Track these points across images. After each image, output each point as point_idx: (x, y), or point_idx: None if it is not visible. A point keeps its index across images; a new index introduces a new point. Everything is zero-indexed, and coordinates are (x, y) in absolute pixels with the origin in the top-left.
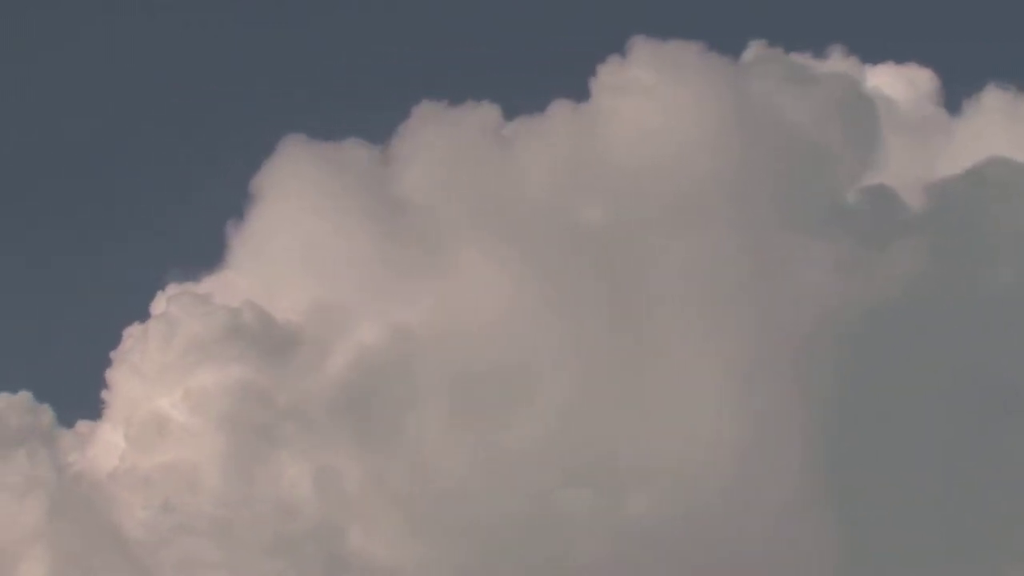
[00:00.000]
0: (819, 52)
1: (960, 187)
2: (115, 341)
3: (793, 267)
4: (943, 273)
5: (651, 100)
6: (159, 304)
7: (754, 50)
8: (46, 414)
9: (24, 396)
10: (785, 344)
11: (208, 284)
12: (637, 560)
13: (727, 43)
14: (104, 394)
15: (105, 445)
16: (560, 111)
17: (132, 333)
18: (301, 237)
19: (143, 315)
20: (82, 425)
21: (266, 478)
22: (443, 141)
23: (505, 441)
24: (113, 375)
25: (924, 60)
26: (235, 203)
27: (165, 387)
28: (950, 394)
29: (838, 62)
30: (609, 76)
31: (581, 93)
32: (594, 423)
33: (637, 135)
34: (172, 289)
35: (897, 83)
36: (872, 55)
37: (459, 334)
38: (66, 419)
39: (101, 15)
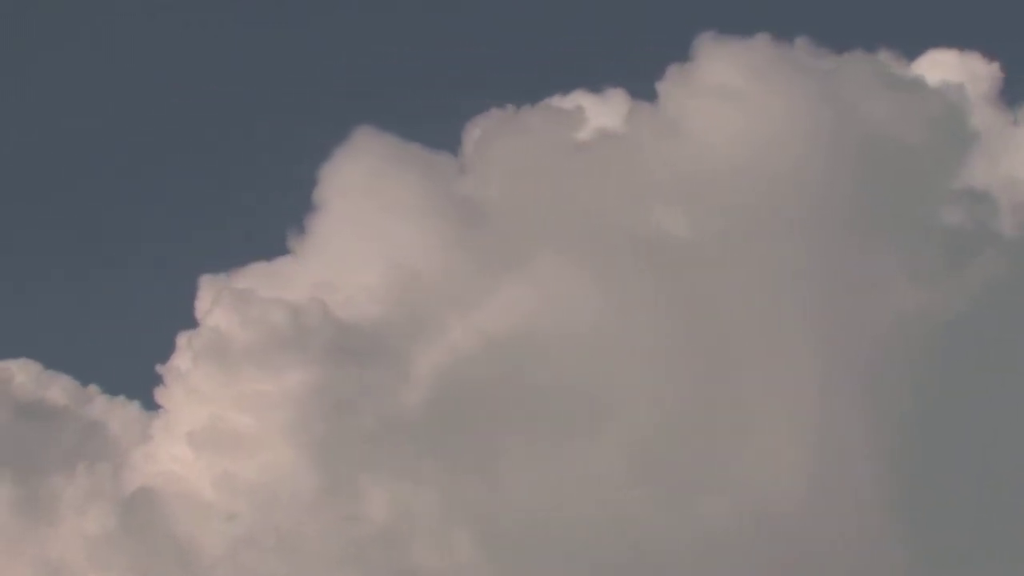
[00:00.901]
0: (907, 52)
1: None
2: (171, 347)
3: (872, 275)
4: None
5: (726, 103)
6: (221, 305)
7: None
8: (106, 426)
9: (85, 407)
10: (862, 353)
11: (273, 283)
12: (711, 567)
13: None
14: (165, 403)
15: (168, 457)
16: (634, 115)
17: (191, 337)
18: (370, 236)
19: (204, 317)
20: (144, 436)
21: (333, 489)
22: (516, 145)
23: (581, 454)
24: (173, 381)
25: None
26: (300, 201)
27: (229, 395)
28: None
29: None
30: (679, 77)
31: (650, 95)
32: (672, 433)
33: (713, 140)
34: (234, 289)
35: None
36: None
37: (536, 344)
38: (126, 430)
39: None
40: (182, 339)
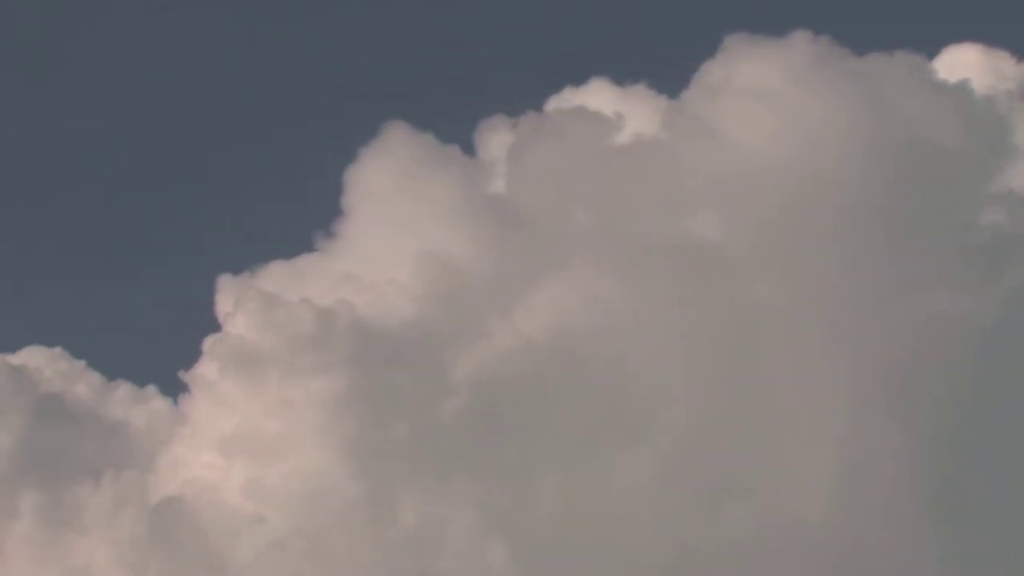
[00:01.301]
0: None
1: None
2: (196, 348)
3: (906, 278)
4: None
5: (761, 105)
6: (247, 308)
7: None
8: (132, 427)
9: (108, 413)
10: (894, 357)
11: (299, 284)
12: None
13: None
14: (192, 409)
15: (196, 464)
16: (670, 118)
17: (216, 342)
18: (401, 236)
19: (228, 319)
20: (170, 441)
21: (364, 496)
22: (552, 147)
23: (613, 459)
24: (200, 388)
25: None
26: (328, 199)
27: (258, 401)
28: None
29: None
30: (712, 79)
31: (684, 98)
32: (704, 437)
33: (748, 142)
34: (260, 291)
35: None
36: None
37: (570, 349)
38: (151, 435)
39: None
40: (208, 343)
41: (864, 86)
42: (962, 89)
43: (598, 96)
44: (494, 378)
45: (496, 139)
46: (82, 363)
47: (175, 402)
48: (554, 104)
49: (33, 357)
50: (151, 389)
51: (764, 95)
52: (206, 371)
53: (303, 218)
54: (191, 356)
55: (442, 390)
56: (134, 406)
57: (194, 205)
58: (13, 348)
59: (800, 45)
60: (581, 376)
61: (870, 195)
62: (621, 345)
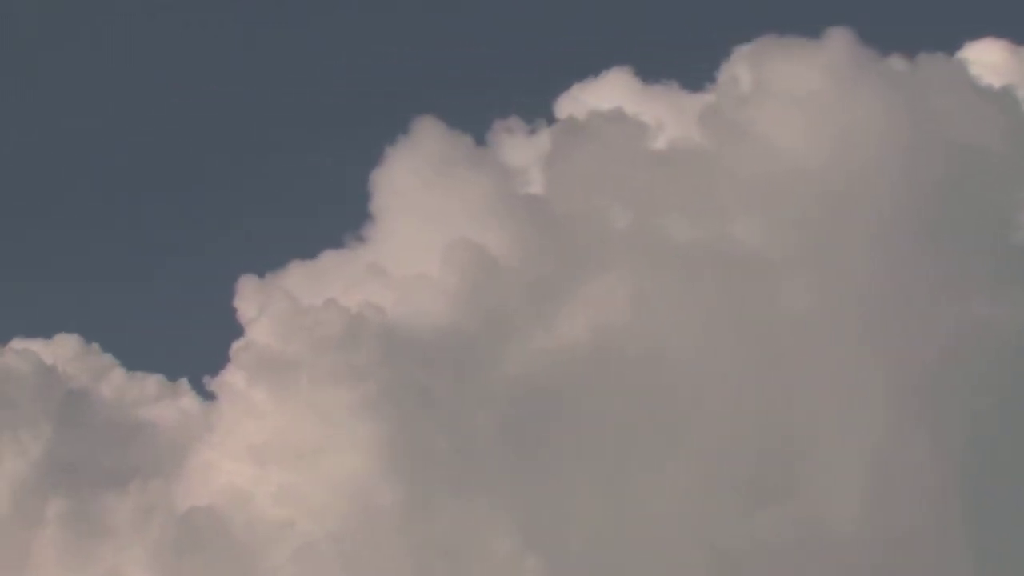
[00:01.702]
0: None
1: None
2: (224, 359)
3: (944, 283)
4: None
5: (799, 109)
6: (272, 311)
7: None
8: (158, 433)
9: (135, 413)
10: (931, 362)
11: (327, 285)
12: None
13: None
14: (220, 415)
15: (224, 469)
16: (707, 123)
17: (243, 346)
18: (433, 237)
19: (252, 323)
20: (196, 446)
21: (396, 501)
22: (590, 151)
23: (648, 466)
24: (227, 392)
25: None
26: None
27: (286, 405)
28: None
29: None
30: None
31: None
32: (741, 442)
33: (786, 147)
34: (288, 294)
35: None
36: None
37: (606, 355)
38: (179, 437)
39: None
40: (235, 351)
41: (901, 88)
42: (1000, 92)
43: (622, 91)
44: (530, 382)
45: (525, 137)
46: (109, 356)
47: (203, 399)
48: (573, 99)
49: (62, 347)
50: (179, 387)
51: (800, 97)
52: (233, 378)
53: (330, 217)
54: (217, 355)
55: (477, 394)
56: (162, 405)
57: (219, 204)
58: (47, 334)
59: (835, 46)
60: (617, 380)
61: (907, 198)
62: (658, 349)
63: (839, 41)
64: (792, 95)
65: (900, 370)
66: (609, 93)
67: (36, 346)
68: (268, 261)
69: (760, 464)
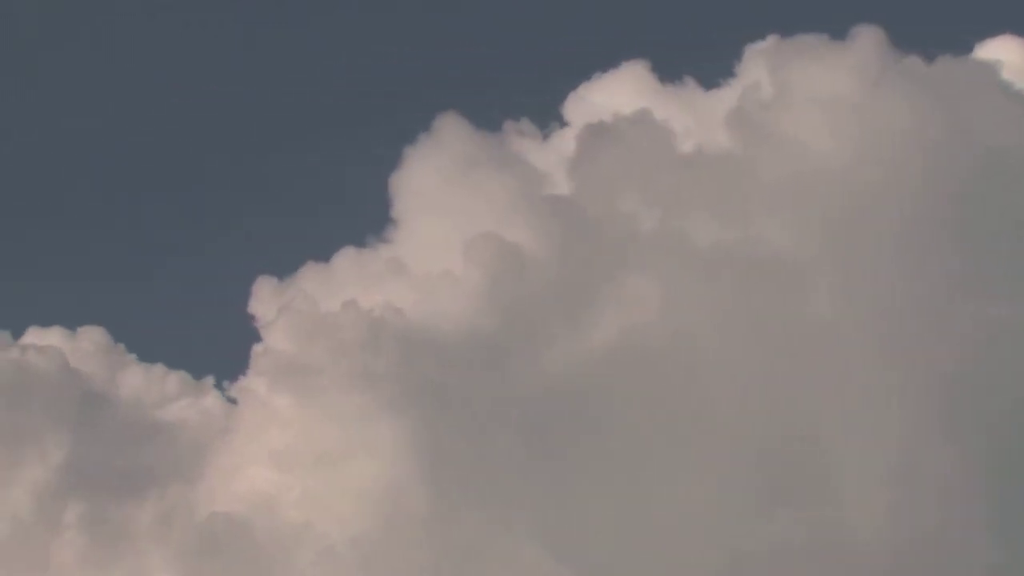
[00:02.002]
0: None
1: None
2: (244, 361)
3: (973, 285)
4: None
5: (828, 112)
6: (291, 315)
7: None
8: (176, 441)
9: (156, 413)
10: (957, 364)
11: (350, 285)
12: None
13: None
14: (241, 420)
15: (246, 475)
16: (733, 125)
17: (262, 354)
18: (456, 236)
19: (270, 327)
20: (217, 450)
21: (419, 505)
22: (618, 153)
23: (670, 468)
24: (247, 397)
25: None
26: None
27: (306, 410)
28: None
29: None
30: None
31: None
32: (760, 446)
33: (814, 149)
34: (305, 295)
35: None
36: None
37: (634, 357)
38: (198, 445)
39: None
40: (254, 357)
41: (925, 89)
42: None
43: (638, 88)
44: (553, 386)
45: (545, 135)
46: (133, 356)
47: (225, 401)
48: (587, 96)
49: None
50: (202, 386)
51: (825, 99)
52: (254, 383)
53: (351, 218)
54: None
55: (499, 398)
56: (183, 405)
57: (239, 204)
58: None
59: (860, 46)
60: (641, 382)
61: (931, 200)
62: (682, 351)
63: (864, 41)
64: (817, 97)
65: (922, 371)
66: (625, 90)
67: (56, 338)
68: (287, 262)
69: (782, 467)
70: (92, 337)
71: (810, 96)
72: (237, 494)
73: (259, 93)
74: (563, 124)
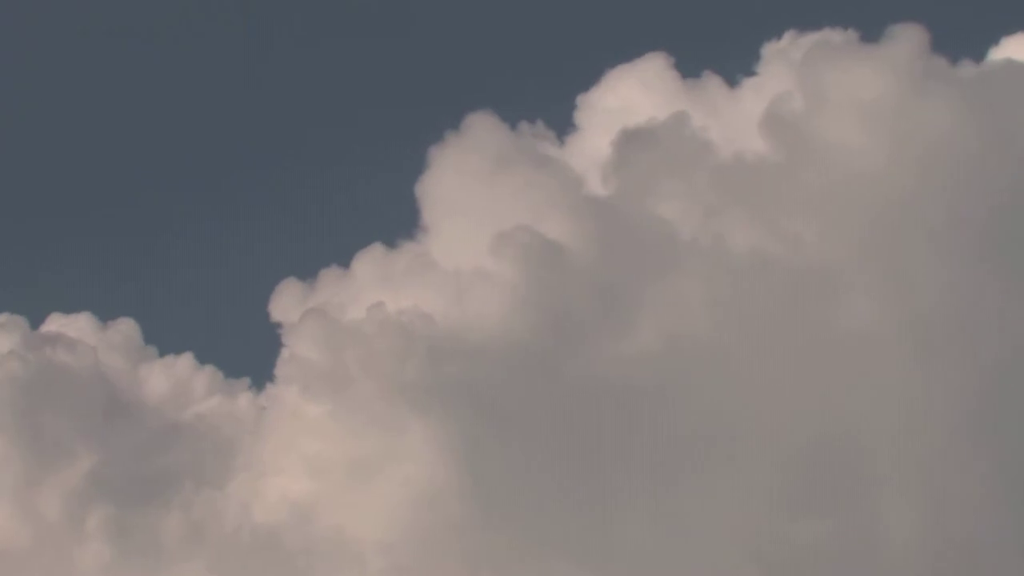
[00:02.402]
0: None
1: None
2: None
3: (1013, 293)
4: None
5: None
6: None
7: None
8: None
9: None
10: (993, 376)
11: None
12: None
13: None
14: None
15: (275, 481)
16: (769, 132)
17: (288, 362)
18: (487, 237)
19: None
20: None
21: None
22: (656, 156)
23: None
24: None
25: None
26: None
27: (333, 416)
28: None
29: None
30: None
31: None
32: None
33: (849, 156)
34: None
35: None
36: None
37: (678, 368)
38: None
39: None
40: (281, 366)
41: (967, 93)
42: None
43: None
44: (590, 391)
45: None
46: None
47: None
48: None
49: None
50: (230, 386)
51: (866, 104)
52: (283, 390)
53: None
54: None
55: (534, 403)
56: (210, 405)
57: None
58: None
59: (899, 48)
60: (679, 388)
61: (972, 207)
62: (720, 357)
63: (903, 42)
64: (856, 100)
65: (958, 377)
66: (648, 87)
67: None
68: (314, 264)
69: (817, 473)
70: (122, 330)
71: (849, 100)
72: (268, 503)
73: (288, 95)
74: (580, 124)
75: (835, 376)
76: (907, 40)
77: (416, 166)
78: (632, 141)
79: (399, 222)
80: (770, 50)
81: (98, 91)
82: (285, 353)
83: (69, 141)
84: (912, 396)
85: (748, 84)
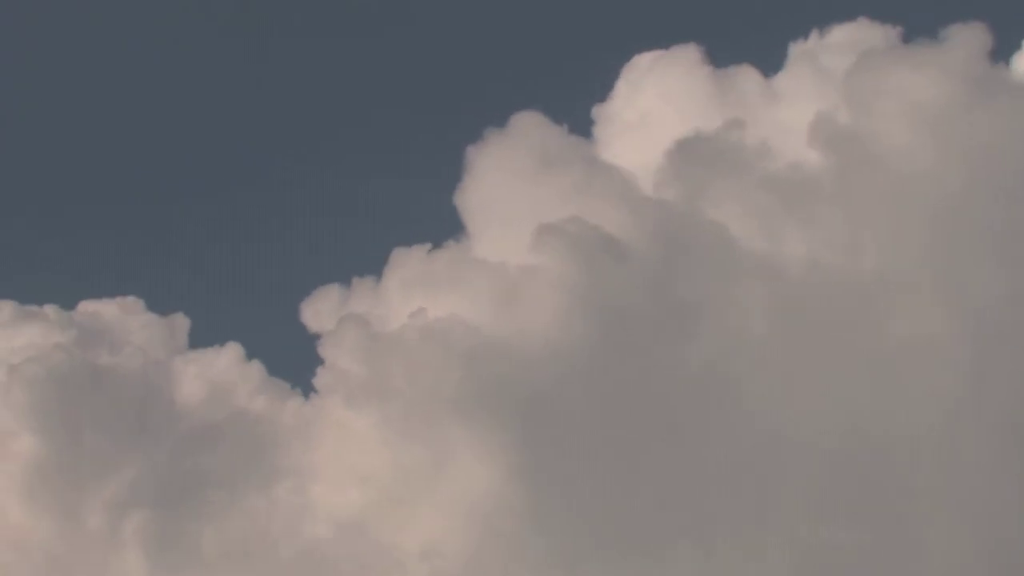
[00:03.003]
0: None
1: None
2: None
3: None
4: None
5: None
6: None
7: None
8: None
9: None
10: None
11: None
12: None
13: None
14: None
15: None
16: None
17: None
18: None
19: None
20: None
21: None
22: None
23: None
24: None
25: None
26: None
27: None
28: None
29: None
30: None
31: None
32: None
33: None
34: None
35: None
36: None
37: (734, 378)
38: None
39: None
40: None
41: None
42: None
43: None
44: (647, 399)
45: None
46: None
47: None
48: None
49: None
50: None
51: (921, 108)
52: (326, 402)
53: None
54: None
55: (588, 411)
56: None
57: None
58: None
59: (957, 50)
60: (735, 399)
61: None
62: (770, 373)
63: (961, 44)
64: (913, 105)
65: (1014, 388)
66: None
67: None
68: (352, 269)
69: (867, 486)
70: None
71: (905, 105)
72: (317, 515)
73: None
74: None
75: (890, 385)
76: (964, 42)
77: (455, 168)
78: (684, 147)
79: (442, 224)
80: (814, 46)
81: (166, 91)
82: (326, 359)
83: (116, 141)
84: (966, 404)
85: (793, 83)
